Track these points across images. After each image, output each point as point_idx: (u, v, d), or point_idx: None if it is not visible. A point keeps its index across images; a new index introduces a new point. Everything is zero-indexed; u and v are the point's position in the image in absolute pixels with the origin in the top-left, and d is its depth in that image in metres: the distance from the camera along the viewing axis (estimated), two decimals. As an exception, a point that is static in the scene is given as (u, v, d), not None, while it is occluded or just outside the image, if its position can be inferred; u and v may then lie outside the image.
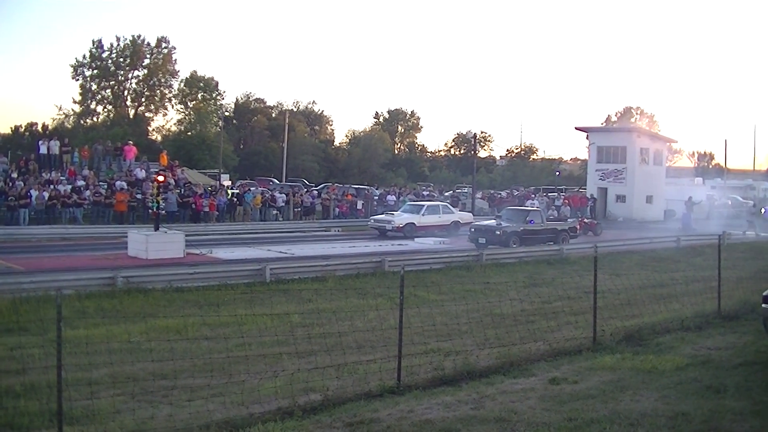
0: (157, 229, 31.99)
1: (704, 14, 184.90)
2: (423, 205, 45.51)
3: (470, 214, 49.03)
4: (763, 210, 61.70)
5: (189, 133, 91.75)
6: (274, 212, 50.93)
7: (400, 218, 43.21)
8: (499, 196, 68.63)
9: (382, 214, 46.87)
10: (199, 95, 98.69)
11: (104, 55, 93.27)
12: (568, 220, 45.06)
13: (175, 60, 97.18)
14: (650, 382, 12.81)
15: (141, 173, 48.91)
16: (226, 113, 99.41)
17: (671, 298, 21.80)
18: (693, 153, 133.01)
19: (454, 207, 50.59)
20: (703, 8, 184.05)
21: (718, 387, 12.36)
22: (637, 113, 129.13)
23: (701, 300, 21.12)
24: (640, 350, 15.47)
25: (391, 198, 57.27)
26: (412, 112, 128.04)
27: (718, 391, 12.15)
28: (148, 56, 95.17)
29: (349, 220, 50.84)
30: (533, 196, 65.65)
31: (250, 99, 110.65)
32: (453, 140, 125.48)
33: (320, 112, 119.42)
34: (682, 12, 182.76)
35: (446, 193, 68.75)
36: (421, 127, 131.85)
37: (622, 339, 16.42)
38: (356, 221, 49.59)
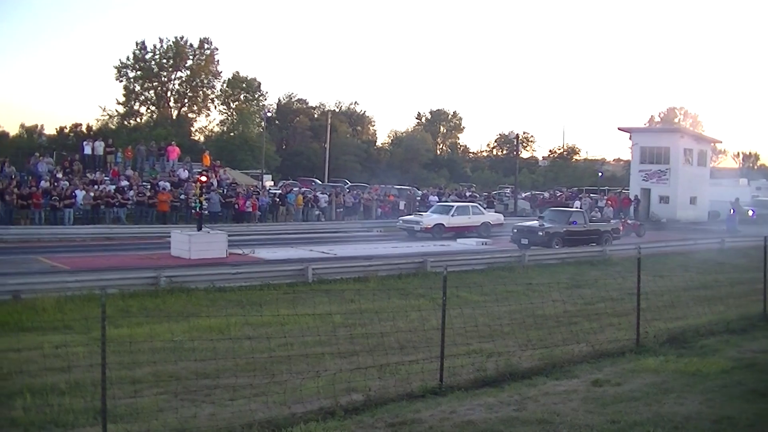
0: (199, 229, 32.14)
1: (748, 12, 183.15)
2: (452, 206, 45.26)
3: (500, 215, 48.65)
4: (750, 212, 60.60)
5: (231, 134, 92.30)
6: (317, 212, 51.09)
7: (429, 219, 43.01)
8: (541, 196, 68.34)
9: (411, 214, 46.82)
10: (242, 96, 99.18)
11: (147, 56, 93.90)
12: (611, 221, 44.82)
13: (218, 61, 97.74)
14: (694, 385, 12.68)
15: (184, 173, 49.29)
16: (269, 114, 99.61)
17: (715, 300, 21.57)
18: (738, 153, 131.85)
19: (490, 208, 50.49)
20: (746, 6, 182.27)
21: (763, 390, 12.21)
22: (680, 113, 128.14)
23: (746, 302, 20.89)
24: (684, 353, 15.31)
25: (434, 198, 57.02)
26: (454, 112, 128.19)
27: (763, 395, 12.00)
28: (190, 57, 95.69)
29: (392, 220, 50.60)
30: (580, 196, 65.25)
31: (293, 99, 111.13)
32: (495, 141, 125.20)
33: (362, 112, 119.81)
34: (726, 10, 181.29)
35: (480, 194, 68.19)
36: (464, 127, 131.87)
37: (665, 341, 16.26)
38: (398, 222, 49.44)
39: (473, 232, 43.00)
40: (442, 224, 42.48)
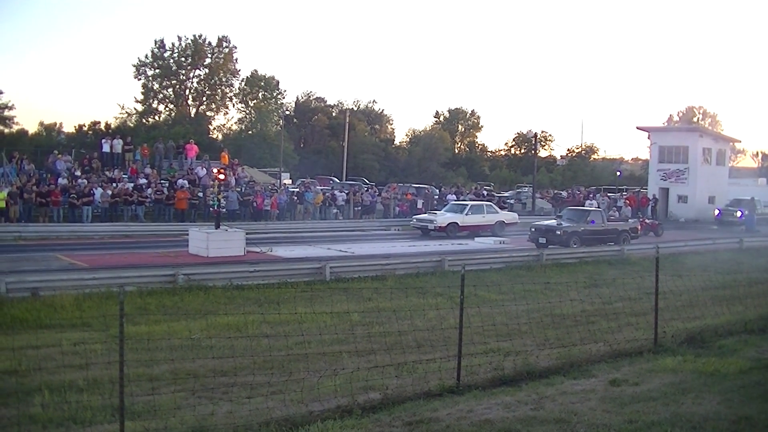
0: (217, 227, 32.15)
1: (767, 12, 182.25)
2: (467, 205, 45.31)
3: (515, 214, 48.59)
4: (716, 211, 59.93)
5: (250, 132, 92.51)
6: (334, 211, 51.12)
7: (443, 217, 43.04)
8: (560, 196, 68.21)
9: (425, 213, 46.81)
10: (260, 94, 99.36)
11: (166, 54, 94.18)
12: (629, 220, 44.63)
13: (236, 59, 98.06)
14: (712, 385, 12.61)
15: (202, 171, 49.28)
16: (287, 112, 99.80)
17: (734, 299, 21.43)
18: (756, 153, 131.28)
19: (503, 207, 50.50)
20: (765, 6, 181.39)
21: (782, 391, 12.15)
22: (699, 113, 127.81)
23: (765, 302, 20.77)
24: (702, 352, 15.24)
25: (452, 197, 56.85)
26: (472, 111, 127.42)
27: (782, 395, 11.94)
28: (209, 55, 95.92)
29: (409, 219, 50.59)
30: (590, 196, 64.99)
31: (311, 98, 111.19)
32: (513, 140, 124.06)
33: (380, 111, 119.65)
34: (745, 10, 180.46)
35: (489, 194, 67.73)
36: (482, 126, 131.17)
37: (683, 341, 16.20)
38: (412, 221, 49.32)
39: (487, 231, 42.99)
40: (456, 223, 42.48)
